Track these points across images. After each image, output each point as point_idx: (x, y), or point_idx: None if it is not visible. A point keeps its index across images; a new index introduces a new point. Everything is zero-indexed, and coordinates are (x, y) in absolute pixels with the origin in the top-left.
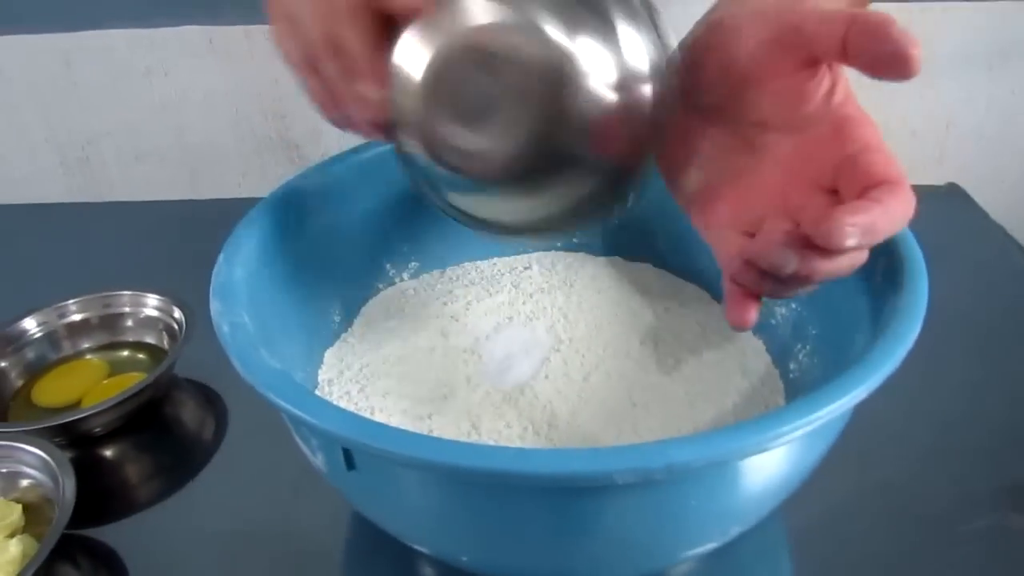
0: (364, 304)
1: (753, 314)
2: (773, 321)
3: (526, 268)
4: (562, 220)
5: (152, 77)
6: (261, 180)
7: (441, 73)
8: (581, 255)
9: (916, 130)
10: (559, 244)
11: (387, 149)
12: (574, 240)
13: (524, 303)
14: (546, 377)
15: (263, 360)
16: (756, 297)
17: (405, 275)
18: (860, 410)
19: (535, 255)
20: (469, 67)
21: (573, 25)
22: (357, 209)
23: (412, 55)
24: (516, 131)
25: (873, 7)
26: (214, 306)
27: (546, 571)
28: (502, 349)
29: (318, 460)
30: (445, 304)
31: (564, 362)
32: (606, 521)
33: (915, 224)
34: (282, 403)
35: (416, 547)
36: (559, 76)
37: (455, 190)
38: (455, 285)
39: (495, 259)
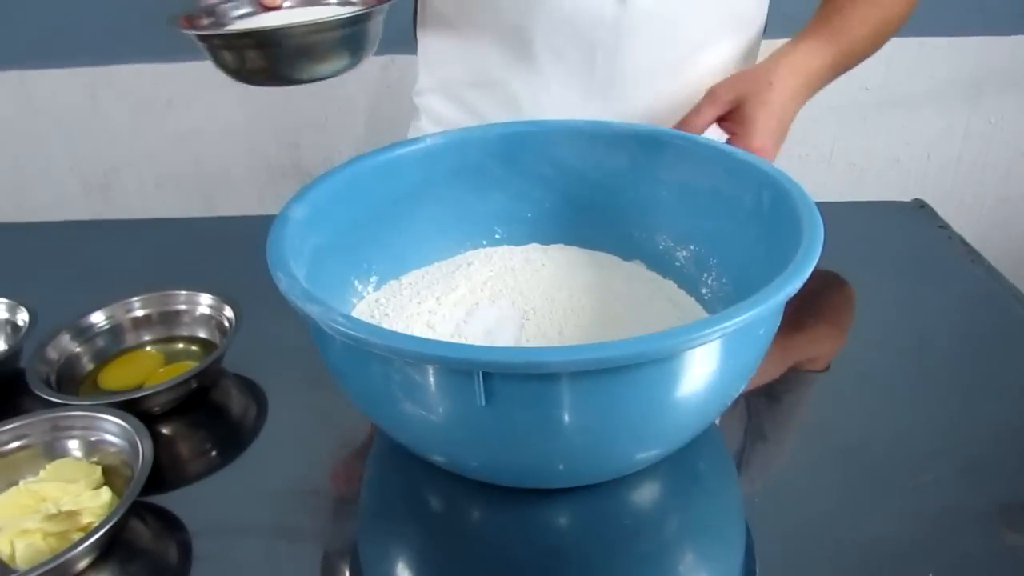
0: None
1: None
2: (677, 264)
3: (470, 264)
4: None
5: (173, 109)
6: (275, 207)
7: None
8: (508, 247)
9: (899, 158)
10: (485, 242)
11: (337, 189)
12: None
13: (482, 290)
14: (527, 341)
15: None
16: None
17: (370, 288)
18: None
19: (466, 255)
20: None
21: None
22: (331, 232)
23: None
24: None
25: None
26: (275, 275)
27: (532, 471)
28: (481, 328)
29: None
30: (419, 303)
31: (537, 327)
32: (574, 412)
33: (881, 234)
34: (336, 326)
35: (436, 460)
36: None
37: None
38: (418, 288)
39: (436, 263)
